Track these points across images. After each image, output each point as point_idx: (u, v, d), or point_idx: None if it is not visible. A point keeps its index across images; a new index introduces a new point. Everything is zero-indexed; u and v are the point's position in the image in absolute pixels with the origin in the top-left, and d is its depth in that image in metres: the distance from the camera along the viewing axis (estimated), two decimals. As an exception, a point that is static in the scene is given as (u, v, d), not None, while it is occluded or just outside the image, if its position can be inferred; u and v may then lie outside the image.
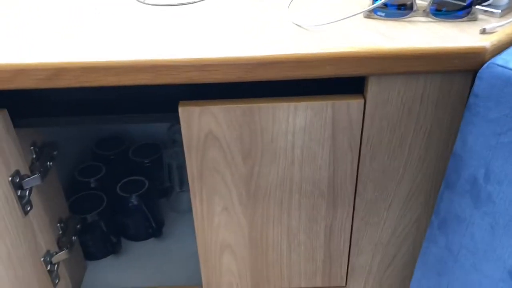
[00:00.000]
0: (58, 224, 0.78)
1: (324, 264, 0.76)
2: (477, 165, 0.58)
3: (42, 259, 0.71)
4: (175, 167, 1.00)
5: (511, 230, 0.57)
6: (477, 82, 0.56)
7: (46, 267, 0.73)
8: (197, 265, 0.89)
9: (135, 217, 0.95)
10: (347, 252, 0.75)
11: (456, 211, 0.62)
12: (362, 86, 0.61)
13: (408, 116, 0.62)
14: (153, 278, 0.88)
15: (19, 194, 0.65)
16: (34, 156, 0.70)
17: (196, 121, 0.62)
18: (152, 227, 0.96)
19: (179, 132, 1.06)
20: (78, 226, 0.82)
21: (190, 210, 1.02)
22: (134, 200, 0.93)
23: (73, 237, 0.79)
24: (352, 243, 0.74)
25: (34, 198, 0.69)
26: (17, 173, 0.64)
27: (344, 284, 0.80)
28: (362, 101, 0.60)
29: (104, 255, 0.93)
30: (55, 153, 0.73)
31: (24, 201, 0.66)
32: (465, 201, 0.61)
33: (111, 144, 1.07)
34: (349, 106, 0.60)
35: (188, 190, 1.02)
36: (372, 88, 0.59)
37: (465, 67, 0.57)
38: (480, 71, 0.55)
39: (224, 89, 0.61)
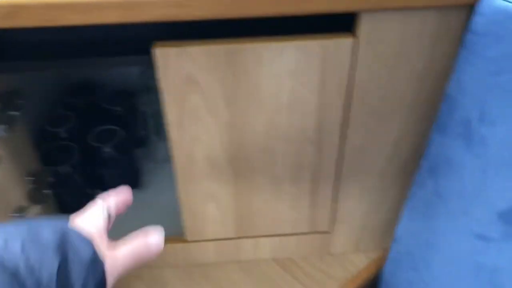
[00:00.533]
0: (28, 178, 0.74)
1: (310, 210, 0.75)
2: (471, 106, 0.56)
3: (13, 214, 0.67)
4: (150, 114, 0.95)
5: (502, 173, 0.55)
6: (475, 17, 0.52)
7: (19, 222, 0.69)
8: (177, 215, 0.86)
9: (111, 168, 0.91)
10: (333, 198, 0.74)
11: (446, 155, 0.61)
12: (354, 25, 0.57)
13: (402, 57, 0.58)
14: (133, 229, 0.85)
15: (-18, 147, 0.60)
16: (-3, 105, 0.64)
17: (173, 64, 0.57)
18: (129, 177, 0.92)
19: (153, 77, 1.01)
20: (49, 178, 0.78)
21: (168, 159, 0.99)
22: (108, 150, 0.88)
23: (45, 191, 0.75)
24: (339, 189, 0.72)
25: (1, 152, 0.64)
26: (-22, 124, 0.59)
27: (329, 230, 0.79)
28: (353, 40, 0.56)
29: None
30: (20, 102, 0.67)
31: (-12, 154, 0.61)
32: (457, 144, 0.59)
33: (81, 91, 1.01)
34: (340, 46, 0.56)
35: (165, 139, 0.99)
36: (364, 26, 0.55)
37: (463, 1, 0.53)
38: (479, 5, 0.52)
39: (204, 30, 0.56)
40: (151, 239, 0.47)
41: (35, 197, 0.73)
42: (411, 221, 0.70)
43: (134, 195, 0.91)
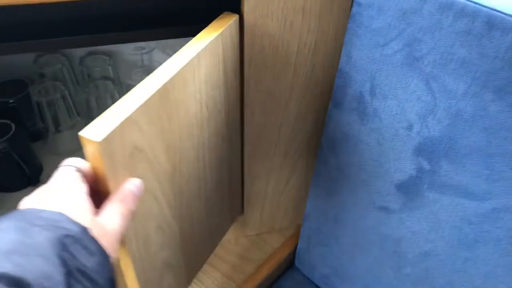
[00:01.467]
0: None
1: (228, 202, 0.72)
2: (362, 80, 0.55)
3: None
4: (46, 105, 0.88)
5: (396, 145, 0.55)
6: (359, -12, 0.51)
7: None
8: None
9: (5, 165, 0.83)
10: (241, 181, 0.72)
11: (344, 130, 0.60)
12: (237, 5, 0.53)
13: (290, 32, 0.56)
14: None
15: None
16: None
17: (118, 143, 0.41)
18: (26, 174, 0.85)
19: (47, 64, 0.93)
20: None
21: (70, 151, 0.93)
22: (0, 146, 0.81)
23: None
24: (245, 171, 0.70)
25: None
26: None
27: (241, 213, 0.77)
28: (237, 17, 0.53)
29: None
30: None
31: None
32: (353, 119, 0.58)
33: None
34: (231, 28, 0.53)
35: (65, 130, 0.92)
36: (248, 1, 0.52)
37: (348, -27, 0.52)
38: (362, -24, 0.50)
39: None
40: (127, 185, 0.42)
41: None
42: (318, 198, 0.69)
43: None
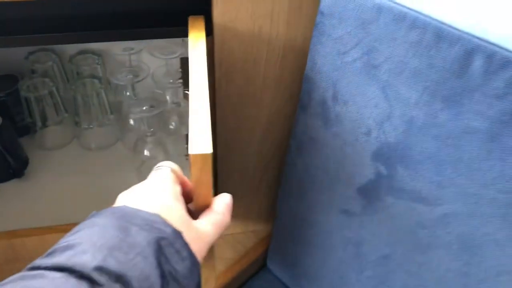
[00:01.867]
0: None
1: None
2: (325, 86, 0.57)
3: None
4: (34, 100, 0.90)
5: (356, 149, 0.57)
6: (322, -2, 0.53)
7: None
8: (65, 204, 0.84)
9: (-8, 158, 0.86)
10: (215, 181, 0.74)
11: (310, 134, 0.62)
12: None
13: (259, 37, 0.58)
14: (17, 221, 0.82)
15: None
16: None
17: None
18: (12, 167, 0.88)
19: (38, 61, 0.96)
20: None
21: (56, 146, 0.95)
22: (-13, 139, 0.83)
23: None
24: (218, 171, 0.72)
25: None
26: None
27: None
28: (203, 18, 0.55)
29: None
30: None
31: None
32: (317, 123, 0.60)
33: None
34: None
35: (52, 125, 0.94)
36: (218, 5, 0.55)
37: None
38: (325, -14, 0.52)
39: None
40: (223, 198, 0.42)
41: None
42: (288, 199, 0.71)
43: (18, 185, 0.88)
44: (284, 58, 0.61)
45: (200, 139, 0.39)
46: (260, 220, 0.83)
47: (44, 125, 0.94)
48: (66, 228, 0.76)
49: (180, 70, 0.64)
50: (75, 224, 0.77)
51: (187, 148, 0.74)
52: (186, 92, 0.61)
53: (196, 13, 0.56)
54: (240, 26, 0.57)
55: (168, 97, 0.92)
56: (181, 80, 0.89)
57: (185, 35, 0.57)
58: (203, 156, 0.38)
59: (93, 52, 0.98)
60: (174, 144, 0.90)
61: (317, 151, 0.62)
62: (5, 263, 0.78)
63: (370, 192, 0.59)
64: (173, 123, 0.95)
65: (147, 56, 0.95)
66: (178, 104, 0.92)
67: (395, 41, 0.48)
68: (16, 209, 0.84)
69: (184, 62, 0.65)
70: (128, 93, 0.94)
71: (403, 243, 0.59)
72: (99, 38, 0.59)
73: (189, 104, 0.43)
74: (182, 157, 0.87)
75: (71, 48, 0.99)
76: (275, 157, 0.73)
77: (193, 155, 0.38)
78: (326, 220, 0.66)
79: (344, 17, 0.51)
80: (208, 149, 0.38)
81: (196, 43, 0.51)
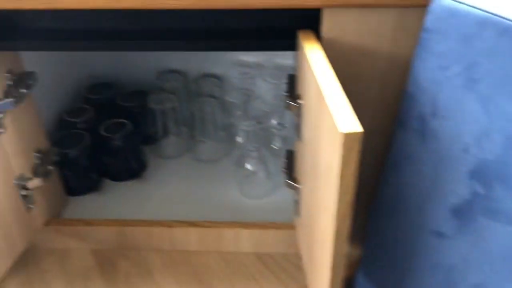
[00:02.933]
0: (36, 154, 0.82)
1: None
2: (425, 102, 0.58)
3: (15, 181, 0.75)
4: (159, 112, 1.02)
5: (452, 166, 0.57)
6: (427, 15, 0.55)
7: (20, 190, 0.76)
8: (172, 204, 0.92)
9: (117, 157, 0.98)
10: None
11: (406, 151, 0.63)
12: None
13: (363, 53, 0.62)
14: (130, 212, 0.91)
15: (-9, 116, 0.69)
16: (10, 83, 0.73)
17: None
18: (132, 168, 0.99)
19: (167, 80, 1.09)
20: (55, 157, 0.86)
21: (172, 156, 1.06)
22: (116, 140, 0.96)
23: (49, 167, 0.83)
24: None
25: (8, 123, 0.72)
26: (-13, 94, 0.67)
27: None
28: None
29: (85, 191, 0.97)
30: (31, 82, 0.76)
31: (-4, 123, 0.69)
32: (414, 140, 0.61)
33: (101, 89, 1.10)
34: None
35: (172, 136, 1.05)
36: (326, 22, 0.60)
37: (420, 1, 0.57)
38: (430, 4, 0.55)
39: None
40: None
41: (38, 171, 0.81)
42: (379, 219, 0.71)
43: (137, 185, 0.99)
44: (386, 75, 0.63)
45: (347, 120, 0.43)
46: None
47: (165, 135, 1.05)
48: (169, 224, 0.84)
49: (287, 83, 0.69)
50: (177, 222, 0.85)
51: (285, 162, 0.79)
52: (292, 103, 0.66)
53: (300, 29, 0.62)
54: (346, 42, 0.61)
55: (274, 119, 0.98)
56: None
57: (294, 48, 0.64)
58: (353, 134, 0.42)
59: (213, 76, 1.10)
60: (275, 164, 0.95)
61: (411, 169, 0.63)
62: (117, 248, 0.87)
63: (464, 213, 0.57)
64: (276, 144, 1.00)
65: (259, 81, 1.03)
66: (282, 126, 0.98)
67: (498, 54, 0.49)
68: (131, 203, 0.94)
69: (291, 78, 0.70)
70: (239, 113, 1.02)
71: (498, 271, 0.55)
72: (221, 48, 0.67)
73: (323, 95, 0.48)
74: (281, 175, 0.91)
75: (196, 71, 1.11)
76: (371, 176, 0.74)
77: (344, 133, 0.41)
78: (416, 242, 0.65)
79: (447, 32, 0.53)
80: (359, 128, 0.42)
81: (313, 48, 0.56)
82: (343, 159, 0.44)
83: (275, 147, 1.00)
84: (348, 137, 0.42)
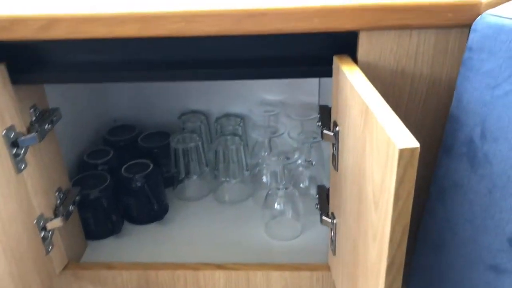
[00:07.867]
0: (57, 193, 0.79)
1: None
2: (472, 124, 0.55)
3: (35, 221, 0.72)
4: (181, 152, 1.00)
5: (508, 192, 0.53)
6: (471, 34, 0.54)
7: (40, 232, 0.73)
8: (195, 247, 0.87)
9: (138, 198, 0.94)
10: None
11: (453, 178, 0.59)
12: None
13: (402, 77, 0.59)
14: (153, 255, 0.87)
15: (14, 152, 0.66)
16: (34, 118, 0.72)
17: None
18: (154, 210, 0.95)
19: (189, 120, 1.07)
20: (77, 197, 0.82)
21: (194, 198, 1.02)
22: (137, 181, 0.93)
23: (71, 207, 0.79)
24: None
25: (31, 159, 0.70)
26: (12, 128, 0.65)
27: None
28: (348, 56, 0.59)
29: (105, 234, 0.93)
30: (55, 118, 0.74)
31: (19, 158, 0.67)
32: (462, 165, 0.57)
33: (122, 131, 1.09)
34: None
35: (195, 176, 1.02)
36: (363, 45, 0.58)
37: (460, 21, 0.55)
38: (474, 23, 0.53)
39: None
40: None
41: (59, 211, 0.77)
42: (425, 252, 0.66)
43: (158, 227, 0.95)
44: (427, 99, 0.61)
45: (403, 135, 0.41)
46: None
47: (187, 176, 1.02)
48: (195, 266, 0.79)
49: (318, 113, 0.67)
50: (203, 264, 0.80)
51: (316, 205, 0.75)
52: (327, 132, 0.63)
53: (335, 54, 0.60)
54: (383, 65, 0.59)
55: (301, 157, 0.95)
56: (314, 140, 0.93)
57: (328, 74, 0.61)
58: (411, 150, 0.39)
59: (236, 115, 1.08)
60: (303, 203, 0.90)
61: (460, 197, 0.58)
62: (138, 293, 0.82)
63: (525, 243, 0.52)
64: (303, 183, 0.97)
65: (283, 117, 1.01)
66: (310, 163, 0.94)
67: (554, 68, 0.46)
68: (153, 246, 0.90)
69: (323, 108, 0.68)
70: (264, 152, 0.99)
71: None
72: (256, 76, 0.66)
73: (373, 112, 0.45)
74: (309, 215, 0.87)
75: (218, 111, 1.10)
76: (414, 207, 0.69)
77: (402, 149, 0.39)
78: (470, 278, 0.59)
79: (494, 50, 0.51)
80: (415, 143, 0.39)
81: (353, 70, 0.54)
82: (399, 178, 0.40)
83: (302, 186, 0.96)
84: (405, 152, 0.39)
